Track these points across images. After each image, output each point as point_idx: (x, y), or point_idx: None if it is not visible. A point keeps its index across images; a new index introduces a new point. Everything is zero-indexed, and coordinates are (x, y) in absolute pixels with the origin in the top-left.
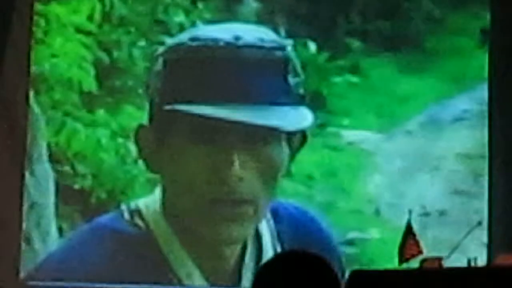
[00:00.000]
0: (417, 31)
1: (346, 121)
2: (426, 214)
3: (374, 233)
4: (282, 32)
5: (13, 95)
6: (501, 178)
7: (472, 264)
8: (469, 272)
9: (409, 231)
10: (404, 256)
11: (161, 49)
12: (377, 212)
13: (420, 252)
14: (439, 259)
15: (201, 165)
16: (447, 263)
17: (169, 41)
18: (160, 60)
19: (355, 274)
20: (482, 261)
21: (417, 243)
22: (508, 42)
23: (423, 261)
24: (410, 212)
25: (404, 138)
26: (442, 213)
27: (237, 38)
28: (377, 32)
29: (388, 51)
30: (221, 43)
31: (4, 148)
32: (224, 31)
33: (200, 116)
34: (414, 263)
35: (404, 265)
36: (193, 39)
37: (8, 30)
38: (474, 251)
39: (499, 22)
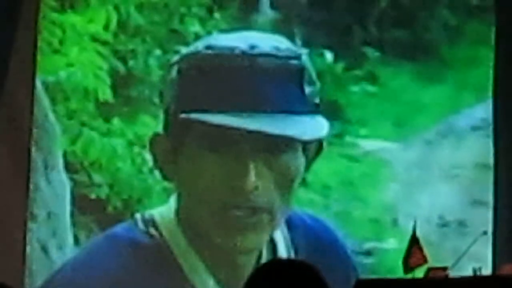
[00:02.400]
0: (434, 40)
1: (363, 131)
2: (444, 224)
3: (391, 243)
4: (299, 41)
5: (18, 104)
6: (507, 187)
7: (478, 273)
8: (475, 281)
9: (414, 240)
10: (409, 265)
11: (176, 57)
12: (395, 221)
13: (426, 261)
14: (445, 268)
15: (216, 173)
16: (452, 273)
17: (184, 49)
18: (175, 68)
19: (360, 283)
20: (487, 271)
21: (422, 252)
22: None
23: (429, 270)
24: (415, 221)
25: (422, 148)
26: (460, 223)
27: (252, 47)
28: (394, 41)
29: (405, 60)
30: (236, 52)
31: (8, 157)
32: (239, 40)
33: (215, 125)
34: (420, 273)
35: (410, 275)
36: (208, 47)
37: (14, 38)
38: (480, 261)
39: (505, 30)
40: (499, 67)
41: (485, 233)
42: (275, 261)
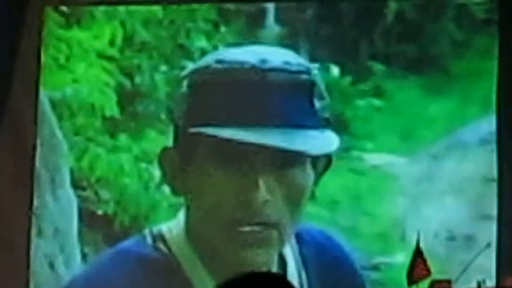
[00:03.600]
0: (441, 54)
1: (370, 145)
2: (452, 238)
3: (400, 258)
4: (305, 55)
5: (24, 120)
6: (510, 200)
7: (481, 286)
8: None
9: (418, 253)
10: (413, 278)
11: (186, 71)
12: (403, 236)
13: (429, 273)
14: (449, 281)
15: (225, 188)
16: (457, 285)
17: (193, 64)
18: (185, 82)
19: None
20: (492, 283)
21: (426, 264)
22: None
23: (433, 283)
24: (418, 233)
25: (429, 161)
26: (468, 237)
27: (263, 61)
28: (400, 55)
29: (412, 74)
30: (247, 66)
31: (14, 173)
32: (250, 54)
33: (224, 139)
34: (423, 285)
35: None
36: (218, 61)
37: (17, 55)
38: (485, 273)
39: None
40: (502, 80)
41: (488, 245)
42: (250, 274)
